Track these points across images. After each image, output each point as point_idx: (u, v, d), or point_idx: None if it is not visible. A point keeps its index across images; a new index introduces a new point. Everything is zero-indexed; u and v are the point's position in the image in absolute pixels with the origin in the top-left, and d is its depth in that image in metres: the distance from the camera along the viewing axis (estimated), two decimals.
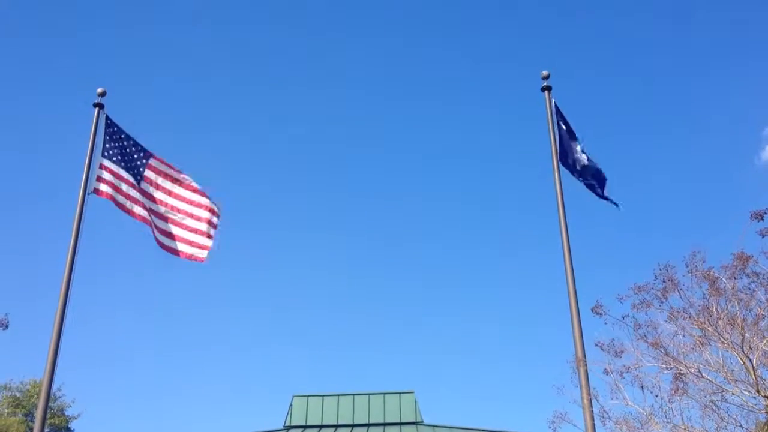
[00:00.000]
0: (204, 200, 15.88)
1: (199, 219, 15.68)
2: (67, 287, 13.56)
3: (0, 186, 52.12)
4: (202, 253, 15.47)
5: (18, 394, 36.70)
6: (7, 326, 11.79)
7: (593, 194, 15.37)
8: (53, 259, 52.85)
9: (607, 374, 10.78)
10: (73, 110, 51.28)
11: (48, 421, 31.58)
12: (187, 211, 15.68)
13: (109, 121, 15.64)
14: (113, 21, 58.57)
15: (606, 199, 15.29)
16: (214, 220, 15.87)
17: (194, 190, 15.88)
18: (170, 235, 15.48)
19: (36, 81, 57.22)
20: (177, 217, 15.61)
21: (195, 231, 15.59)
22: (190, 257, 15.38)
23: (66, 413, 37.36)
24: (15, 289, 52.56)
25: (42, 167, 56.85)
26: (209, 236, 15.69)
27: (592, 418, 11.07)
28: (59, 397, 36.82)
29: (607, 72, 59.61)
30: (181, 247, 15.47)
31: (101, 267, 52.02)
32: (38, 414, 12.93)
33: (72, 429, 37.87)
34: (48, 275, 58.27)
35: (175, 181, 15.81)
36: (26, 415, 35.66)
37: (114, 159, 15.38)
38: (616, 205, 15.39)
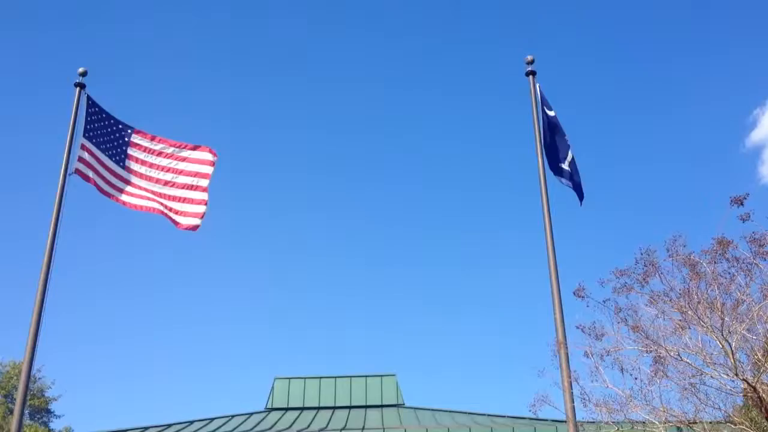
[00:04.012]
0: (195, 155, 15.38)
1: (188, 187, 15.22)
2: (47, 267, 13.43)
3: None
4: (196, 221, 15.08)
5: None
6: None
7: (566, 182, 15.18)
8: (33, 238, 52.49)
9: (587, 357, 10.86)
10: (53, 92, 50.72)
11: (28, 402, 31.45)
12: (173, 181, 15.29)
13: (90, 101, 15.44)
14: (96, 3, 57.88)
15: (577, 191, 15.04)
16: (205, 170, 15.24)
17: (178, 159, 15.42)
18: (167, 208, 15.09)
19: (15, 62, 56.48)
20: (165, 190, 15.22)
21: (184, 200, 15.15)
22: (187, 227, 14.97)
23: (46, 394, 37.19)
24: None
25: (21, 149, 56.27)
26: (201, 201, 15.21)
27: (573, 401, 11.14)
28: (39, 378, 36.64)
29: (592, 56, 59.76)
30: (178, 219, 15.10)
31: (81, 247, 51.75)
32: (19, 395, 12.84)
33: (52, 410, 37.75)
34: (28, 255, 57.84)
35: (159, 153, 15.47)
36: (6, 396, 35.47)
37: (94, 141, 15.17)
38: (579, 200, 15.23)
